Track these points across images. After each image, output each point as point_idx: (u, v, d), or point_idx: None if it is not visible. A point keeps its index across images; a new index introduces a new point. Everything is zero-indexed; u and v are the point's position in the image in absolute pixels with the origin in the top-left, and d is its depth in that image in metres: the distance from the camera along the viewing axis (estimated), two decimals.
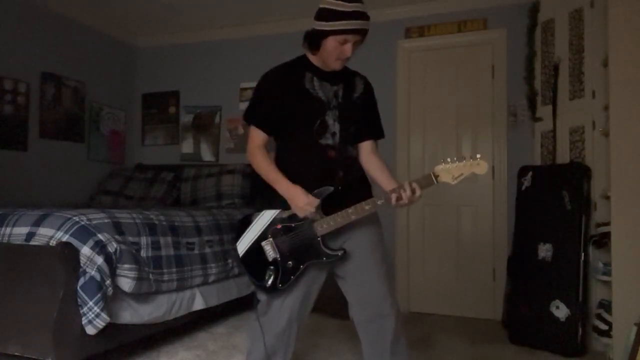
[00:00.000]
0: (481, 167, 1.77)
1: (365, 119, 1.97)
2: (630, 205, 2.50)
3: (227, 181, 4.24)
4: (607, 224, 2.75)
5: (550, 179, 3.27)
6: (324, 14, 1.78)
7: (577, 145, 3.24)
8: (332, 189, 1.80)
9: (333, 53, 1.82)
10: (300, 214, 1.80)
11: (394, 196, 1.77)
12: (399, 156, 4.16)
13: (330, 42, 1.79)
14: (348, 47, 1.80)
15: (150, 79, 5.10)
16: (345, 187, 1.85)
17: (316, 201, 1.76)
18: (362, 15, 1.77)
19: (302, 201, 1.76)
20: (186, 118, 4.94)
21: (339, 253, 1.82)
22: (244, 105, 4.64)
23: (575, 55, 3.26)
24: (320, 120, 1.86)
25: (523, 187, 3.45)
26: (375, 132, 2.01)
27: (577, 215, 3.05)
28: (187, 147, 4.93)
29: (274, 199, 1.86)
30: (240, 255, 1.89)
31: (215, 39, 4.84)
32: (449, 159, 1.77)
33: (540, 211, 3.26)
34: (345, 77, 1.95)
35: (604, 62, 2.88)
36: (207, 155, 4.84)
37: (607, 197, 2.75)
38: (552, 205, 3.18)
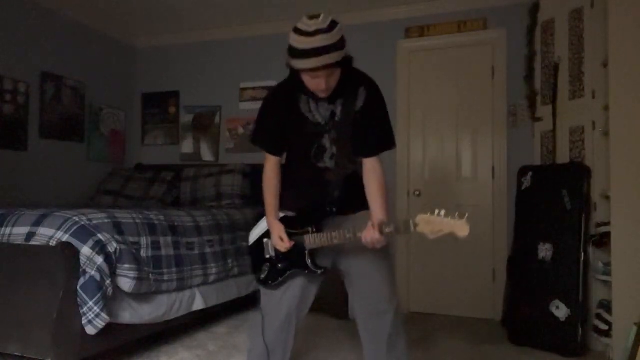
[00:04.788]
0: (463, 230, 1.62)
1: (362, 135, 1.83)
2: (630, 205, 2.50)
3: (227, 181, 4.24)
4: (607, 224, 2.75)
5: (550, 179, 3.27)
6: (289, 50, 1.69)
7: (577, 145, 3.24)
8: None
9: (310, 86, 1.75)
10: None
11: (360, 237, 1.75)
12: (399, 156, 4.16)
13: (304, 77, 1.72)
14: (320, 81, 1.70)
15: (150, 79, 5.10)
16: (342, 204, 1.87)
17: (288, 245, 1.85)
18: (318, 51, 1.61)
19: (276, 239, 1.87)
20: (186, 118, 4.94)
21: (319, 272, 1.87)
22: (244, 105, 4.66)
23: (575, 55, 3.26)
24: (317, 144, 1.87)
25: (523, 187, 3.45)
26: (371, 149, 1.85)
27: (577, 215, 3.05)
28: (187, 147, 4.93)
29: (283, 201, 1.94)
30: (249, 244, 2.02)
31: (215, 39, 4.84)
32: (436, 211, 1.66)
33: (540, 211, 3.26)
34: (345, 90, 1.82)
35: (604, 62, 2.88)
36: (207, 155, 4.84)
37: (607, 197, 2.76)
38: (552, 205, 3.18)
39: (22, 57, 3.96)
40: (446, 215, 1.64)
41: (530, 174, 3.42)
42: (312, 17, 1.65)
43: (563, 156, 3.35)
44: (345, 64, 1.73)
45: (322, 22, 1.63)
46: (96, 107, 4.67)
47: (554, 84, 3.39)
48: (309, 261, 1.85)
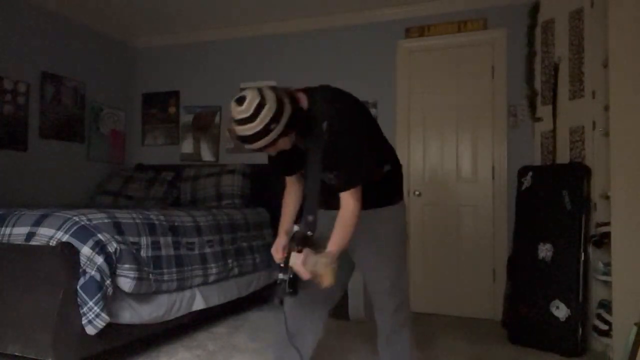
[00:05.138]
0: (325, 281, 1.62)
1: (330, 171, 1.77)
2: (630, 205, 2.50)
3: (227, 181, 4.24)
4: (607, 224, 2.75)
5: (550, 179, 3.27)
6: None
7: (577, 145, 3.24)
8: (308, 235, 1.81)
9: None
10: None
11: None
12: (399, 156, 4.13)
13: None
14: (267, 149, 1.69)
15: (150, 79, 5.10)
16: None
17: (280, 256, 1.82)
18: (245, 140, 1.60)
19: (273, 249, 1.87)
20: (186, 118, 4.94)
21: (288, 290, 1.81)
22: None
23: (575, 55, 3.26)
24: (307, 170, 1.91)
25: (523, 187, 3.45)
26: (335, 187, 1.77)
27: (577, 215, 3.05)
28: (187, 147, 4.93)
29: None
30: None
31: (215, 39, 4.84)
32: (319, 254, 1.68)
33: (540, 211, 3.26)
34: (313, 126, 1.74)
35: (604, 62, 2.88)
36: (207, 155, 4.84)
37: (607, 197, 2.76)
38: (552, 205, 3.18)
39: (22, 57, 3.96)
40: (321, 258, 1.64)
41: (530, 174, 3.42)
42: (239, 102, 1.57)
43: (563, 156, 3.35)
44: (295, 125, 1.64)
45: (245, 109, 1.55)
46: (96, 107, 4.67)
47: (554, 84, 3.39)
48: (288, 277, 1.83)
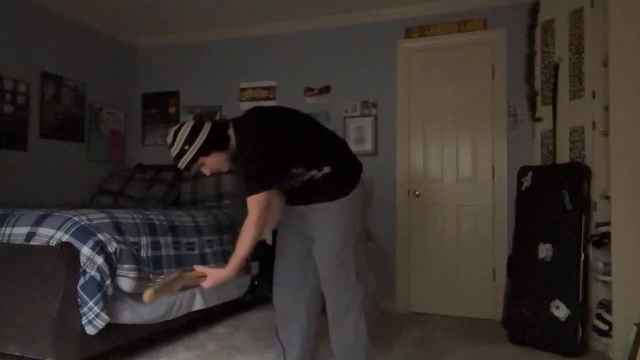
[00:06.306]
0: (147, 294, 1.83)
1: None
2: (630, 205, 2.50)
3: (227, 181, 4.24)
4: (607, 224, 2.75)
5: (550, 179, 3.27)
6: None
7: (577, 145, 3.24)
8: None
9: None
10: None
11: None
12: (399, 156, 4.16)
13: None
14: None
15: (150, 79, 5.10)
16: None
17: None
18: (175, 164, 1.97)
19: None
20: (186, 118, 4.94)
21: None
22: (244, 105, 4.65)
23: (575, 55, 3.26)
24: None
25: (523, 187, 3.45)
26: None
27: (577, 215, 3.05)
28: None
29: None
30: None
31: (215, 39, 4.84)
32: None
33: (540, 211, 3.26)
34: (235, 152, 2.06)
35: (604, 62, 2.88)
36: None
37: (607, 197, 2.76)
38: (552, 205, 3.18)
39: (22, 57, 3.95)
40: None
41: (530, 174, 3.42)
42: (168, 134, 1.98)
43: (563, 156, 3.35)
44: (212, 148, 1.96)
45: (169, 137, 1.95)
46: (96, 107, 4.67)
47: (554, 84, 3.39)
48: None
